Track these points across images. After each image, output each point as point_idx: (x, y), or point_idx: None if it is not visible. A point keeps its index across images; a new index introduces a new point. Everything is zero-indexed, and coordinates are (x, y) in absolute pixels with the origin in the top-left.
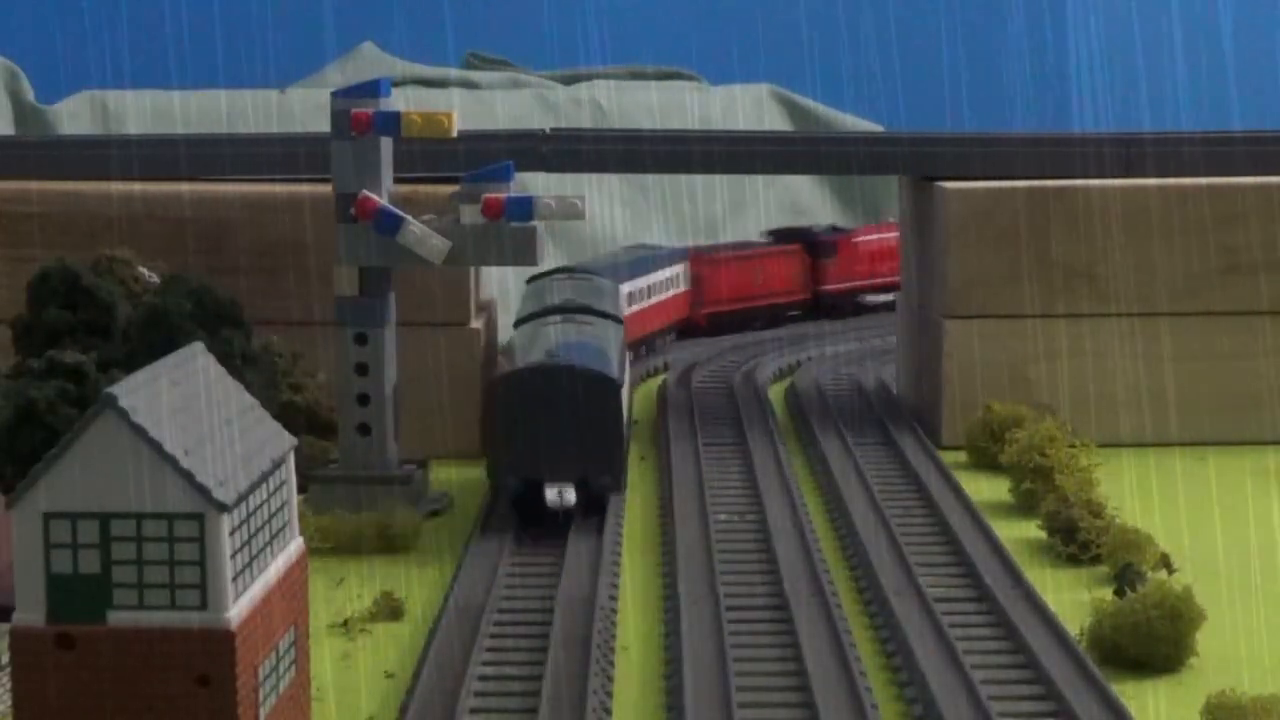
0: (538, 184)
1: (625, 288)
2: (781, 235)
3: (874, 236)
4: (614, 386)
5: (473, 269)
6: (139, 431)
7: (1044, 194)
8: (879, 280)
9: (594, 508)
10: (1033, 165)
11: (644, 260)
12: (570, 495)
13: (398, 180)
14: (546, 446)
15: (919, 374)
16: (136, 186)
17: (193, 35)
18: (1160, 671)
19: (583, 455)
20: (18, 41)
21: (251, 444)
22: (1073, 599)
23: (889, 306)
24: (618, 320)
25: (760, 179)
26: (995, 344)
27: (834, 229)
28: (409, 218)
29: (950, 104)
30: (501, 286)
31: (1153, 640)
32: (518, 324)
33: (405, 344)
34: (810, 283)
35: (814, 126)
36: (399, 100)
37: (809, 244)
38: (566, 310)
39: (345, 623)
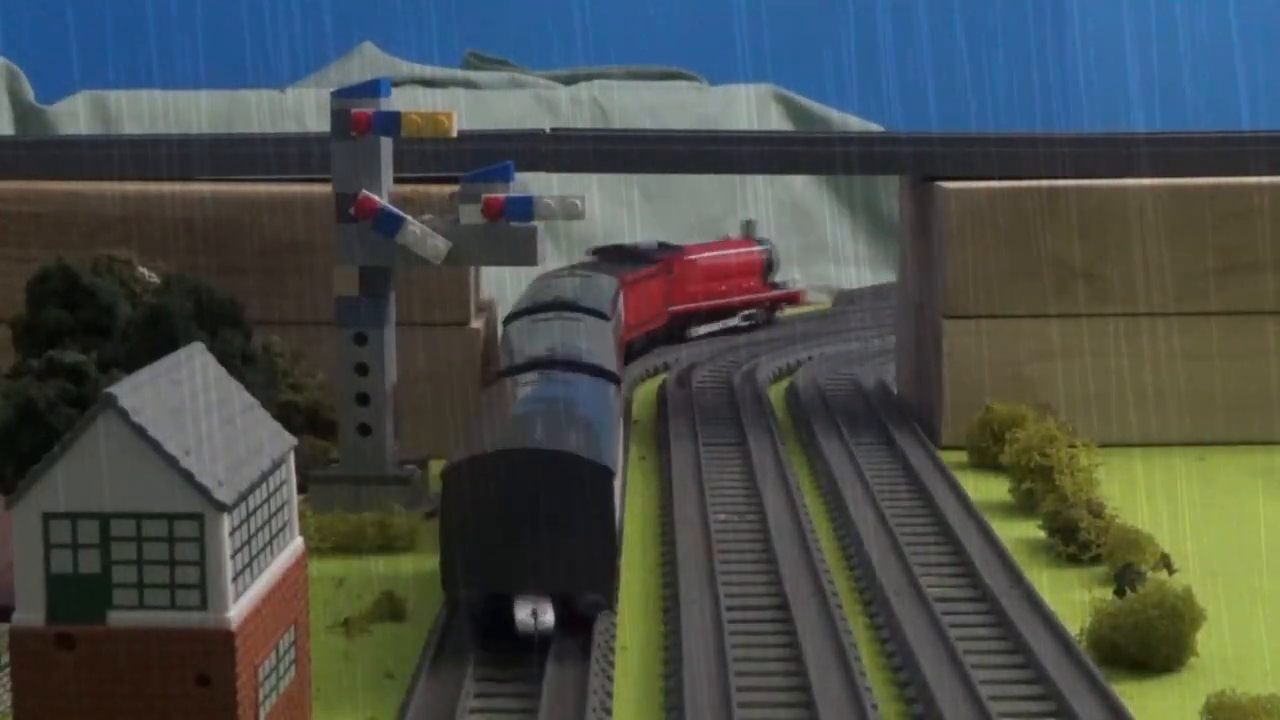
0: (538, 184)
1: (612, 323)
2: (607, 254)
3: (712, 254)
4: (604, 475)
5: (473, 269)
6: (139, 431)
7: (1044, 194)
8: (716, 302)
9: (577, 629)
10: (1033, 165)
11: (607, 284)
12: (548, 616)
13: (398, 180)
14: (517, 553)
15: (919, 374)
16: (136, 186)
17: (192, 35)
18: (1160, 671)
19: (563, 565)
20: (18, 41)
21: (251, 444)
22: (1073, 599)
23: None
24: (612, 377)
25: (760, 179)
26: (995, 344)
27: (663, 246)
28: (409, 218)
29: (950, 104)
30: (501, 287)
31: (1153, 640)
32: (490, 382)
33: (405, 344)
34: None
35: (814, 126)
36: (399, 100)
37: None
38: (548, 364)
39: (345, 623)
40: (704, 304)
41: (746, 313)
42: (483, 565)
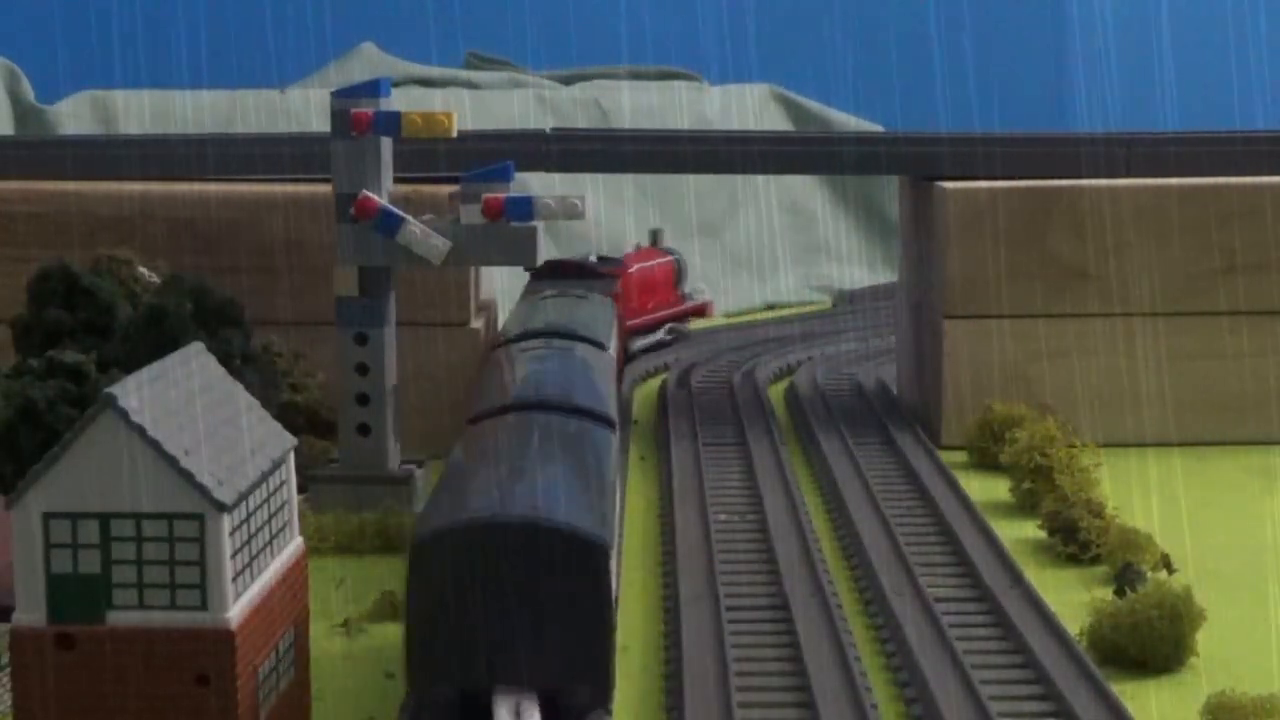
0: (538, 184)
1: (611, 353)
2: (548, 270)
3: (645, 264)
4: (599, 550)
5: (473, 269)
6: (139, 431)
7: (1044, 194)
8: (647, 317)
9: None
10: (1033, 165)
11: (605, 306)
12: (533, 715)
13: (398, 180)
14: (495, 642)
15: (919, 374)
16: (136, 186)
17: (192, 35)
18: (1160, 671)
19: (550, 655)
20: (18, 41)
21: (251, 444)
22: (1073, 599)
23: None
24: (607, 421)
25: (760, 179)
26: (995, 344)
27: (604, 259)
28: (409, 218)
29: (950, 104)
30: (501, 287)
31: (1153, 640)
32: (471, 423)
33: (405, 344)
34: None
35: (814, 126)
36: (399, 100)
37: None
38: (537, 408)
39: (345, 623)
40: (641, 320)
41: (669, 326)
42: (456, 655)
